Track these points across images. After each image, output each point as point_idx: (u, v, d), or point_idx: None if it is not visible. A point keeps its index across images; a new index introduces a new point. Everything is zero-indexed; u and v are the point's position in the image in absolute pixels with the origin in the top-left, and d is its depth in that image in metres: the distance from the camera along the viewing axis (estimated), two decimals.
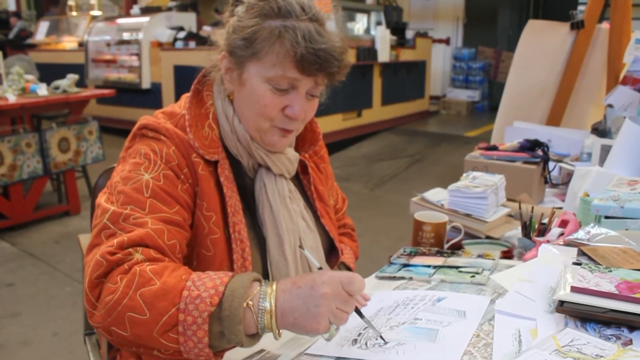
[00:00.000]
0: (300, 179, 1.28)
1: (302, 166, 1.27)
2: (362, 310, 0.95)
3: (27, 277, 3.50)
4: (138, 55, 7.39)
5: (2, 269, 3.61)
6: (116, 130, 7.21)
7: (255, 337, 0.88)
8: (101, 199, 1.01)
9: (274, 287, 0.88)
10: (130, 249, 0.90)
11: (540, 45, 2.66)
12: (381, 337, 0.96)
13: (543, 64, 2.63)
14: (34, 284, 3.40)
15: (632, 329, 0.91)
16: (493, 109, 10.23)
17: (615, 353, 0.83)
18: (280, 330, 0.88)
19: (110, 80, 7.74)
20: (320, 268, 0.99)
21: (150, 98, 7.34)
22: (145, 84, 7.36)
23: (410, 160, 6.88)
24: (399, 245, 1.56)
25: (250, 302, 0.86)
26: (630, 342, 0.88)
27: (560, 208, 1.83)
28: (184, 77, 6.66)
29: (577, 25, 2.58)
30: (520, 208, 1.49)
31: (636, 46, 2.16)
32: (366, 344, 0.95)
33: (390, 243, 4.09)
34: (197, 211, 1.06)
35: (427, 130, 8.77)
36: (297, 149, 1.26)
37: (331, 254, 1.30)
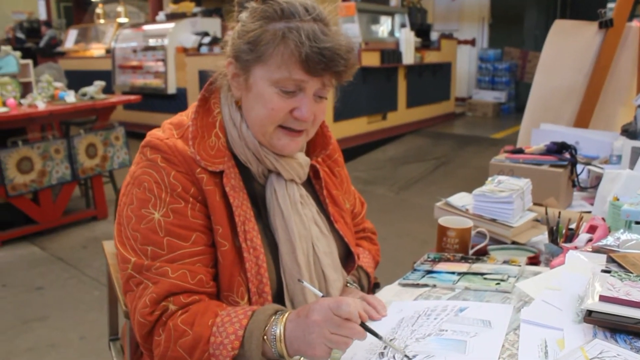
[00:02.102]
0: (313, 184, 1.27)
1: (314, 171, 1.26)
2: (382, 322, 0.96)
3: (56, 281, 3.56)
4: (164, 60, 7.48)
5: (32, 272, 3.68)
6: (143, 136, 7.23)
7: None
8: (117, 240, 1.07)
9: (285, 318, 0.97)
10: (163, 302, 1.00)
11: (568, 45, 2.60)
12: (406, 356, 0.93)
13: (570, 65, 2.57)
14: (63, 288, 3.46)
15: None
16: (519, 110, 10.08)
17: None
18: (298, 357, 0.96)
19: (137, 86, 7.86)
20: (324, 295, 0.99)
21: (176, 103, 7.42)
22: (171, 89, 7.45)
23: (436, 163, 6.82)
24: (424, 248, 1.54)
25: (265, 337, 0.96)
26: None
27: (589, 212, 1.78)
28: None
29: (606, 24, 2.52)
30: (546, 213, 1.45)
31: None
32: (394, 357, 0.93)
33: (415, 246, 4.06)
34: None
35: (452, 133, 8.69)
36: (308, 153, 1.25)
37: (348, 259, 1.29)
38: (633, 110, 2.30)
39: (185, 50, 7.35)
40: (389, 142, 7.83)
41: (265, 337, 0.95)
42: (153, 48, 7.69)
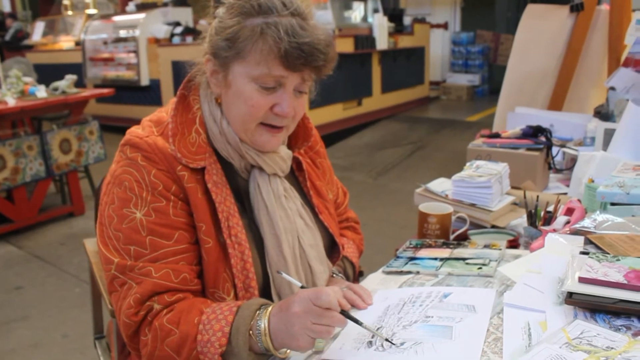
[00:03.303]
0: (296, 176, 1.28)
1: (297, 163, 1.26)
2: (369, 311, 0.97)
3: (35, 279, 3.51)
4: (135, 52, 7.37)
5: (10, 272, 3.63)
6: (117, 129, 7.20)
7: (264, 354, 0.98)
8: (99, 241, 1.07)
9: (268, 312, 0.97)
10: (148, 302, 1.01)
11: (540, 29, 2.63)
12: (387, 340, 0.96)
13: (543, 49, 2.61)
14: (42, 287, 3.42)
15: None
16: (493, 92, 10.20)
17: (626, 344, 0.83)
18: (286, 351, 0.98)
19: (109, 78, 7.73)
20: (302, 286, 1.00)
21: (150, 95, 7.33)
22: (144, 81, 7.35)
23: (413, 148, 6.87)
24: (404, 234, 1.56)
25: (251, 332, 0.97)
26: None
27: (565, 194, 1.82)
28: (183, 73, 6.60)
29: (576, 8, 2.56)
30: (525, 197, 1.48)
31: (637, 27, 2.13)
32: (382, 345, 0.95)
33: (394, 232, 4.09)
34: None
35: (428, 117, 8.74)
36: (290, 146, 1.26)
37: (332, 249, 1.30)
38: (604, 92, 2.34)
39: (157, 41, 7.24)
40: (364, 127, 7.85)
41: (251, 332, 0.96)
42: (124, 39, 7.56)
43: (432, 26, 10.11)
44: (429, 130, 7.67)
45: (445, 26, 10.85)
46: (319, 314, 0.92)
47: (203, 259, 1.07)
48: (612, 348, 0.82)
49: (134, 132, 1.10)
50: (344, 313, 0.95)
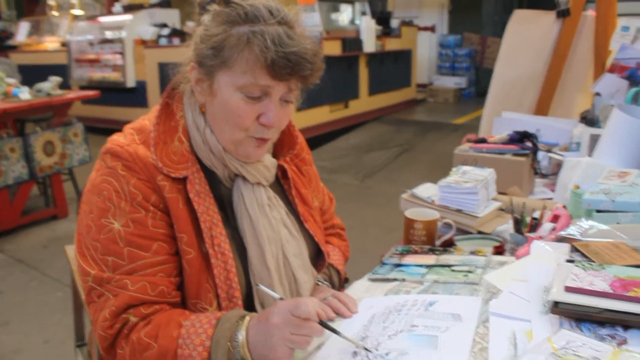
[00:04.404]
0: (281, 184, 1.26)
1: (282, 171, 1.24)
2: (354, 319, 0.99)
3: (16, 284, 3.46)
4: (122, 53, 7.31)
5: None
6: (102, 130, 7.13)
7: None
8: (77, 251, 1.05)
9: (245, 323, 0.97)
10: (123, 315, 0.99)
11: (527, 34, 2.64)
12: (366, 348, 0.95)
13: (530, 54, 2.62)
14: (24, 291, 3.37)
15: (626, 327, 0.90)
16: (480, 95, 10.26)
17: (611, 354, 0.82)
18: None
19: (95, 80, 7.66)
20: (281, 298, 0.99)
21: (136, 96, 7.27)
22: (130, 83, 7.29)
23: (399, 150, 6.88)
24: (390, 236, 1.55)
25: (229, 344, 0.95)
26: (625, 341, 0.87)
27: (551, 199, 1.82)
28: (169, 75, 6.56)
29: (562, 14, 2.57)
30: (512, 203, 1.48)
31: (622, 33, 2.15)
32: (367, 356, 0.94)
33: (381, 234, 4.09)
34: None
35: (415, 119, 8.76)
36: (275, 154, 1.24)
37: (318, 257, 1.28)
38: (590, 97, 2.36)
39: (143, 43, 7.19)
40: (351, 130, 7.85)
41: (229, 344, 0.95)
42: (110, 41, 7.50)
43: (420, 29, 10.14)
44: (415, 133, 7.69)
45: (432, 29, 10.89)
46: (297, 325, 0.91)
47: (184, 270, 1.05)
48: (597, 359, 0.81)
49: (115, 140, 1.08)
50: (322, 323, 0.94)
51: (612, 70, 2.11)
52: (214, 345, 0.94)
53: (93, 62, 7.75)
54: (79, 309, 1.68)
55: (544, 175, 2.06)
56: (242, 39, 0.99)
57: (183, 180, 1.06)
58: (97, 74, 7.70)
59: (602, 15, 2.49)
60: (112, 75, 7.48)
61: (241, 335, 0.95)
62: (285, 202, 1.23)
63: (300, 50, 0.98)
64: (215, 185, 1.12)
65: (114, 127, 7.17)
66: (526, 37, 2.64)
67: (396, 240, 1.54)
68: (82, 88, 7.42)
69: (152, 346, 0.96)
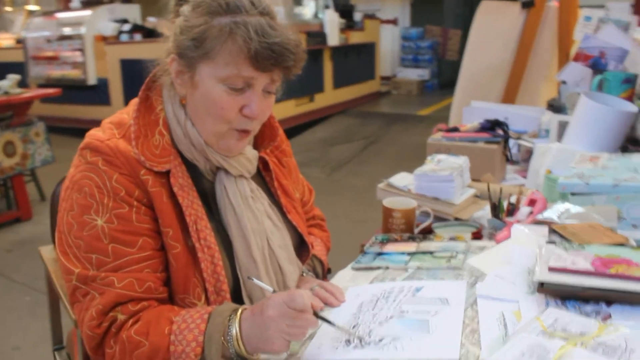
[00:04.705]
0: (263, 176, 1.26)
1: (263, 163, 1.24)
2: (342, 309, 1.01)
3: None
4: (81, 50, 7.12)
5: None
6: (65, 130, 6.97)
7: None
8: (59, 250, 1.03)
9: (238, 317, 0.96)
10: (111, 313, 0.97)
11: (494, 25, 2.70)
12: (361, 338, 0.96)
13: (497, 44, 2.68)
14: None
15: (609, 303, 0.93)
16: (443, 86, 10.41)
17: (597, 329, 0.85)
18: (257, 355, 0.96)
19: (54, 77, 7.44)
20: (274, 291, 0.99)
21: (98, 94, 7.10)
22: (92, 80, 7.12)
23: (366, 142, 6.92)
24: (362, 228, 1.57)
25: (222, 339, 0.95)
26: (610, 316, 0.90)
27: (523, 185, 1.87)
28: (132, 71, 6.48)
29: (527, 4, 2.63)
30: (489, 189, 1.51)
31: (585, 23, 2.21)
32: (360, 342, 0.95)
33: (352, 227, 4.10)
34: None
35: (379, 111, 8.84)
36: (256, 145, 1.23)
37: (301, 248, 1.28)
38: (555, 86, 2.42)
39: (104, 39, 7.02)
40: (317, 123, 7.86)
41: (223, 338, 0.94)
42: (69, 37, 7.29)
43: (382, 22, 10.22)
44: (381, 125, 7.75)
45: (395, 22, 10.98)
46: (293, 317, 0.91)
47: (171, 265, 1.03)
48: (585, 333, 0.84)
49: (94, 135, 1.05)
50: (316, 314, 0.94)
51: (576, 58, 2.17)
52: (207, 340, 0.94)
53: (51, 60, 7.53)
54: (56, 310, 1.64)
55: (514, 162, 2.11)
56: (225, 29, 0.97)
57: (166, 174, 1.05)
58: (56, 72, 7.48)
59: (565, 6, 2.56)
60: (72, 73, 7.29)
61: (235, 329, 0.94)
62: (267, 194, 1.23)
63: (284, 41, 0.98)
64: (197, 178, 1.11)
65: (75, 126, 6.99)
66: (493, 28, 2.70)
67: (366, 232, 1.55)
68: (41, 86, 7.20)
69: (142, 344, 0.95)
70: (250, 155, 1.17)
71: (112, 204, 0.99)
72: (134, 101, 1.11)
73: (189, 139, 1.08)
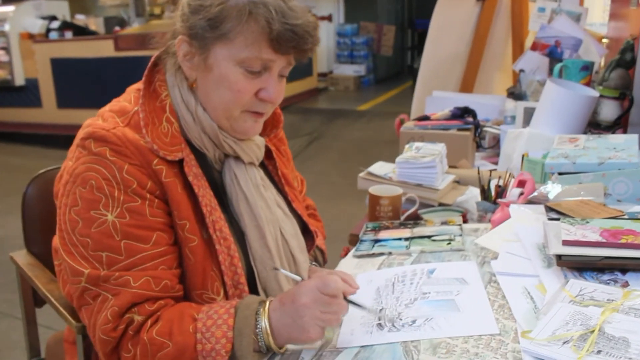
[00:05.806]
0: (265, 165, 1.23)
1: (267, 151, 1.21)
2: (360, 295, 0.98)
3: None
4: (6, 49, 6.71)
5: None
6: None
7: (264, 355, 0.94)
8: (62, 249, 0.97)
9: (266, 309, 0.93)
10: (127, 315, 0.92)
11: (451, 17, 2.77)
12: (390, 321, 0.96)
13: (454, 35, 2.76)
14: None
15: (624, 271, 0.98)
16: (379, 82, 10.58)
17: (622, 295, 0.90)
18: (285, 347, 0.94)
19: None
20: (302, 278, 0.98)
21: (27, 95, 6.72)
22: (19, 81, 6.72)
23: (310, 138, 6.94)
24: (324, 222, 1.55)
25: (254, 333, 0.92)
26: (627, 283, 0.95)
27: (495, 170, 1.94)
28: (64, 71, 6.19)
29: None
30: (479, 173, 1.55)
31: (539, 14, 2.31)
32: (394, 325, 0.95)
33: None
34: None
35: (319, 107, 8.88)
36: (260, 133, 1.20)
37: (306, 238, 1.28)
38: (509, 75, 2.52)
39: (31, 37, 6.66)
40: None
41: (252, 336, 0.92)
42: None
43: (317, 18, 10.18)
44: (322, 121, 7.79)
45: (329, 18, 11.04)
46: (327, 303, 0.90)
47: (187, 259, 0.99)
48: (612, 300, 0.89)
49: (95, 124, 0.98)
50: (347, 299, 0.94)
51: (534, 48, 2.27)
52: (237, 335, 0.91)
53: None
54: (32, 321, 1.55)
55: (480, 149, 2.18)
56: (244, 10, 0.94)
57: (178, 164, 1.01)
58: None
59: None
60: None
61: (264, 322, 0.92)
62: (272, 183, 1.21)
63: (304, 23, 0.96)
64: (206, 168, 1.07)
65: (5, 130, 6.58)
66: (451, 19, 2.78)
67: (328, 225, 1.55)
68: None
69: (166, 344, 0.90)
70: (259, 142, 1.14)
71: (123, 197, 0.94)
72: (134, 87, 1.06)
73: (199, 125, 1.03)
